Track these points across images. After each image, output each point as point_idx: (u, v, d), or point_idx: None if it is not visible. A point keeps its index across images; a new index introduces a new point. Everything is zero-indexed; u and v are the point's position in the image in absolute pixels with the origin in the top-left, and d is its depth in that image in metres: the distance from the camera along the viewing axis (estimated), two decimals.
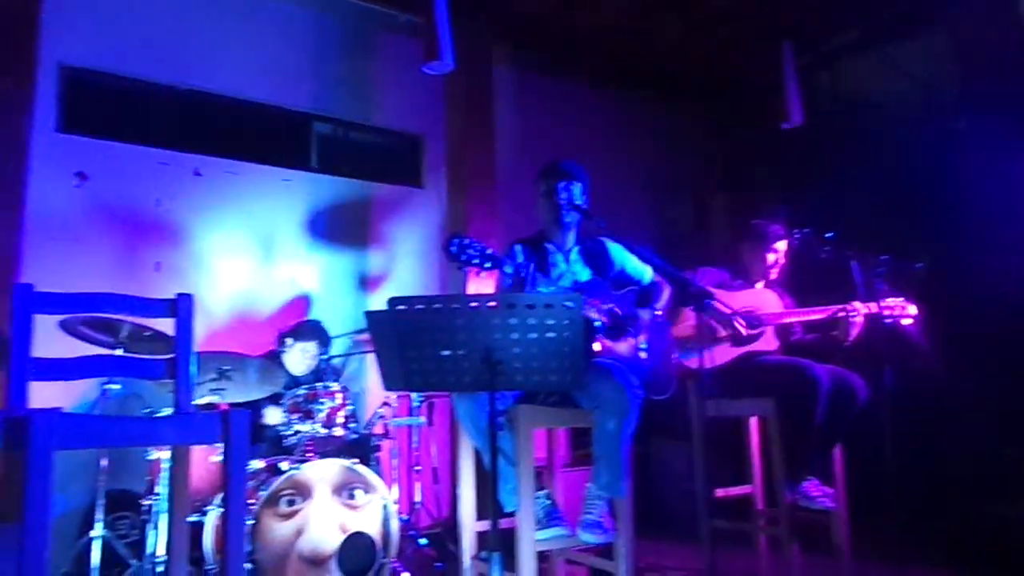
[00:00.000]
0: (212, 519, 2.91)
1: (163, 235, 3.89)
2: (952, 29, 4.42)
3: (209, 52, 4.10)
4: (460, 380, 1.99)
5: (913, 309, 3.06)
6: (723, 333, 3.02)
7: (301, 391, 3.15)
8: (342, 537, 2.81)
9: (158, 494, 2.83)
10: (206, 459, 3.22)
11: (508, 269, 2.40)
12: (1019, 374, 3.74)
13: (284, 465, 2.92)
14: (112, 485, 2.98)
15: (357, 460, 2.99)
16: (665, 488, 3.74)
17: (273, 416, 3.28)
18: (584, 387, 2.31)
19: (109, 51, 3.82)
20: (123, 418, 2.71)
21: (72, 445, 1.53)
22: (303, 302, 4.21)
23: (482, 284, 2.44)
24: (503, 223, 4.55)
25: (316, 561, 2.76)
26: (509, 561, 2.19)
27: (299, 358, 3.55)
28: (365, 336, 3.85)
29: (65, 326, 2.78)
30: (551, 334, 1.90)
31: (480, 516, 2.65)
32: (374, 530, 2.90)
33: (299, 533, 2.77)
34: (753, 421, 3.29)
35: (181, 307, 2.10)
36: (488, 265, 2.30)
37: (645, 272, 2.87)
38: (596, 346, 2.52)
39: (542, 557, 2.41)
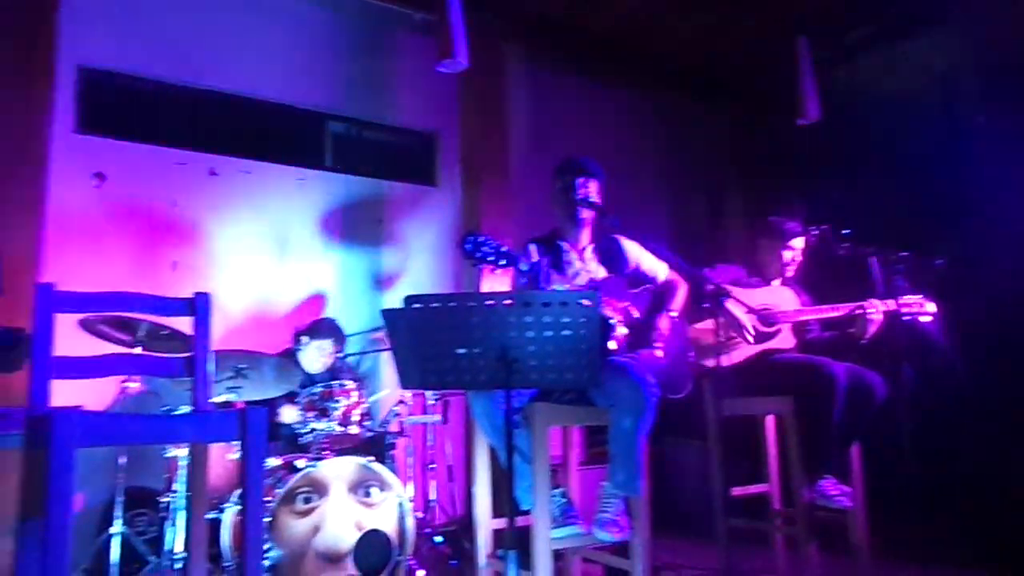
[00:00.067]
0: (230, 516, 2.94)
1: (179, 234, 3.92)
2: (970, 23, 4.36)
3: (224, 52, 4.12)
4: (476, 378, 1.99)
5: (932, 306, 3.03)
6: (738, 335, 3.00)
7: (317, 389, 3.16)
8: (358, 534, 2.82)
9: (176, 491, 2.86)
10: (223, 457, 3.24)
11: (523, 267, 2.40)
12: None
13: (300, 463, 2.93)
14: (130, 482, 3.01)
15: (373, 458, 3.00)
16: (681, 487, 3.73)
17: (289, 415, 3.30)
18: (600, 385, 2.31)
19: (126, 52, 3.85)
20: (143, 416, 2.73)
21: (93, 443, 1.54)
22: (318, 300, 4.23)
23: (496, 282, 2.44)
24: (517, 221, 4.54)
25: (332, 558, 2.77)
26: (524, 559, 2.19)
27: (315, 356, 3.57)
28: (380, 334, 3.86)
29: (85, 325, 2.81)
30: (567, 332, 1.90)
31: (495, 514, 2.65)
32: (390, 528, 2.91)
33: (315, 530, 2.79)
34: (769, 419, 3.27)
35: (199, 306, 2.11)
36: (503, 263, 2.30)
37: (660, 269, 2.86)
38: (612, 344, 2.52)
39: (558, 555, 2.41)
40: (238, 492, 2.96)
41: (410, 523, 2.97)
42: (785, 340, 3.11)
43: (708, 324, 2.98)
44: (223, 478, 3.20)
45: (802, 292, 3.26)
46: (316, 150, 4.44)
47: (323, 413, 3.11)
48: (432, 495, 3.77)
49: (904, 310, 2.99)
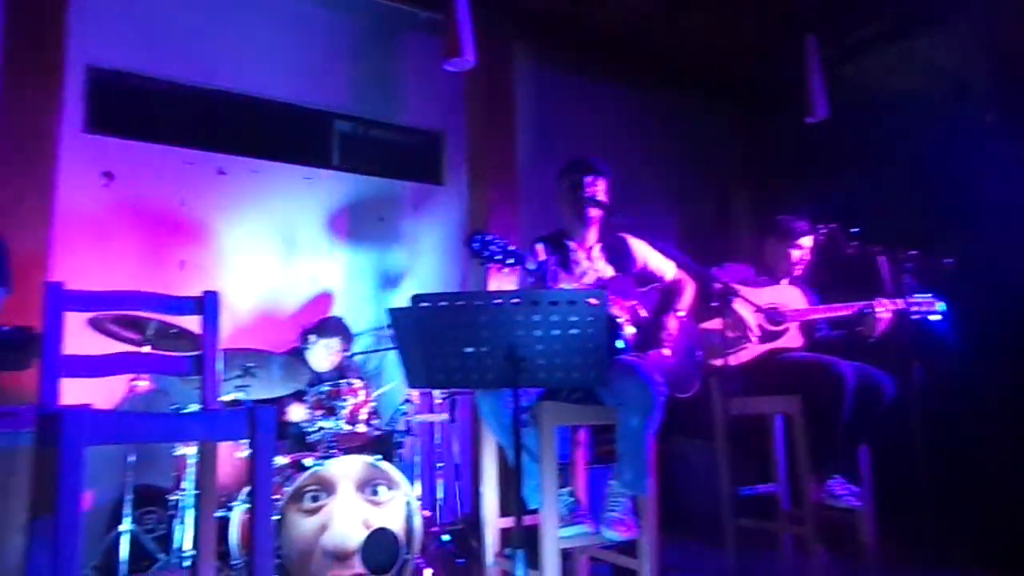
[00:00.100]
0: (238, 514, 2.94)
1: (187, 233, 3.93)
2: (980, 20, 4.34)
3: (232, 52, 4.13)
4: (483, 377, 1.99)
5: (942, 305, 3.02)
6: (745, 334, 2.99)
7: (324, 388, 3.17)
8: (366, 533, 2.83)
9: (184, 489, 2.87)
10: (231, 455, 3.25)
11: (531, 266, 2.40)
12: None
13: (308, 461, 2.94)
14: (139, 480, 3.02)
15: (380, 456, 3.01)
16: (688, 486, 3.72)
17: (297, 413, 3.31)
18: (608, 384, 2.30)
19: (134, 52, 3.86)
20: (152, 414, 2.75)
21: (103, 441, 1.55)
22: (325, 299, 4.24)
23: (503, 281, 2.44)
24: (524, 220, 4.54)
25: (340, 556, 2.78)
26: (532, 558, 2.19)
27: (323, 354, 3.58)
28: (387, 333, 3.87)
29: (94, 323, 2.83)
30: (575, 331, 1.90)
31: (503, 513, 2.65)
32: (397, 526, 2.92)
33: (323, 529, 2.80)
34: (777, 419, 3.26)
35: (208, 304, 2.12)
36: (511, 262, 2.30)
37: (668, 268, 2.85)
38: (619, 343, 2.51)
39: (565, 554, 2.41)
40: (246, 490, 2.97)
41: (417, 522, 2.98)
42: (793, 339, 3.10)
43: (716, 323, 2.98)
44: (231, 476, 3.21)
45: (810, 291, 3.25)
46: (323, 149, 4.45)
47: (331, 412, 3.12)
48: (439, 494, 3.77)
49: (913, 309, 2.98)
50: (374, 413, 3.23)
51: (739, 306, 2.85)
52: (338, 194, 4.38)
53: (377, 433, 3.25)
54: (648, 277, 2.81)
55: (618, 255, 2.76)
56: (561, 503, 2.42)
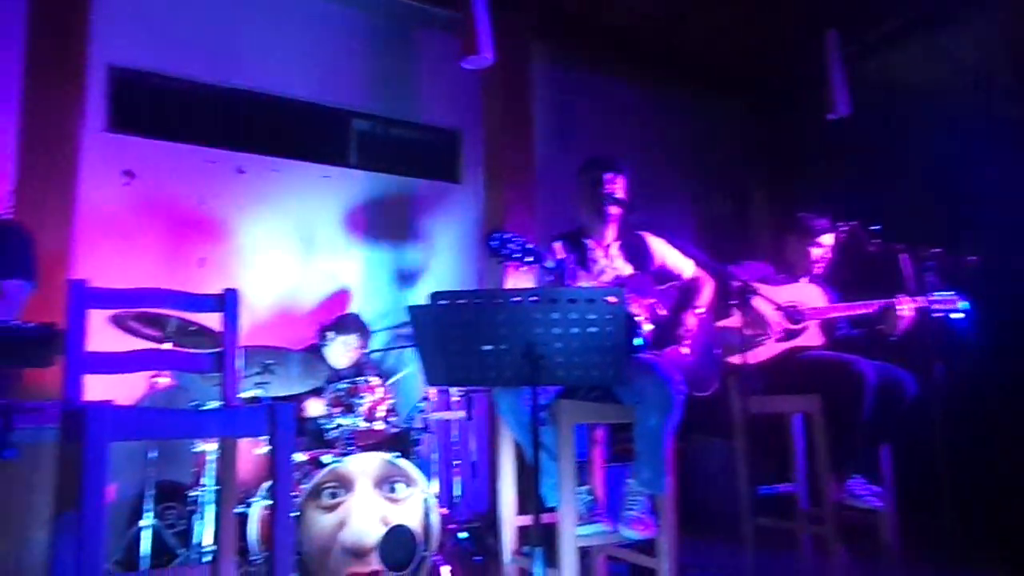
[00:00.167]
0: (257, 510, 2.96)
1: (207, 231, 3.96)
2: (1003, 14, 4.27)
3: (251, 51, 4.16)
4: (502, 375, 1.99)
5: (965, 304, 2.98)
6: (765, 332, 2.97)
7: (343, 385, 3.18)
8: (384, 530, 2.84)
9: (204, 485, 2.89)
10: (250, 451, 3.27)
11: (549, 264, 2.39)
12: None
13: (327, 458, 2.95)
14: (159, 476, 3.05)
15: (398, 454, 3.02)
16: (706, 485, 3.70)
17: (314, 407, 3.32)
18: (626, 382, 2.29)
19: (155, 52, 3.90)
20: (174, 411, 2.77)
21: (126, 437, 1.56)
22: (343, 296, 4.26)
23: (521, 279, 2.44)
24: (540, 218, 4.54)
25: (358, 553, 2.79)
26: (550, 556, 2.19)
27: (341, 351, 3.59)
28: (405, 330, 3.88)
29: (115, 320, 2.86)
30: (593, 329, 1.89)
31: (520, 511, 2.65)
32: (415, 523, 2.93)
33: (342, 525, 2.81)
34: (796, 418, 3.24)
35: (228, 302, 2.14)
36: (529, 260, 2.29)
37: (686, 267, 2.84)
38: (638, 341, 2.50)
39: (583, 553, 2.40)
40: (265, 486, 2.99)
41: (435, 519, 2.98)
42: (813, 337, 3.07)
43: (735, 320, 2.96)
44: (250, 472, 3.24)
45: (830, 289, 3.22)
46: (341, 148, 4.46)
47: (349, 409, 3.13)
48: (456, 491, 3.78)
49: (935, 307, 2.94)
50: (392, 410, 3.24)
51: (759, 303, 2.82)
52: (355, 192, 4.40)
53: (395, 430, 3.26)
54: (666, 275, 2.80)
55: (636, 253, 2.74)
56: (579, 501, 2.42)
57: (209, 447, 2.88)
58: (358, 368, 3.63)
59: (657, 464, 2.36)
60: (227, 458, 2.15)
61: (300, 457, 3.09)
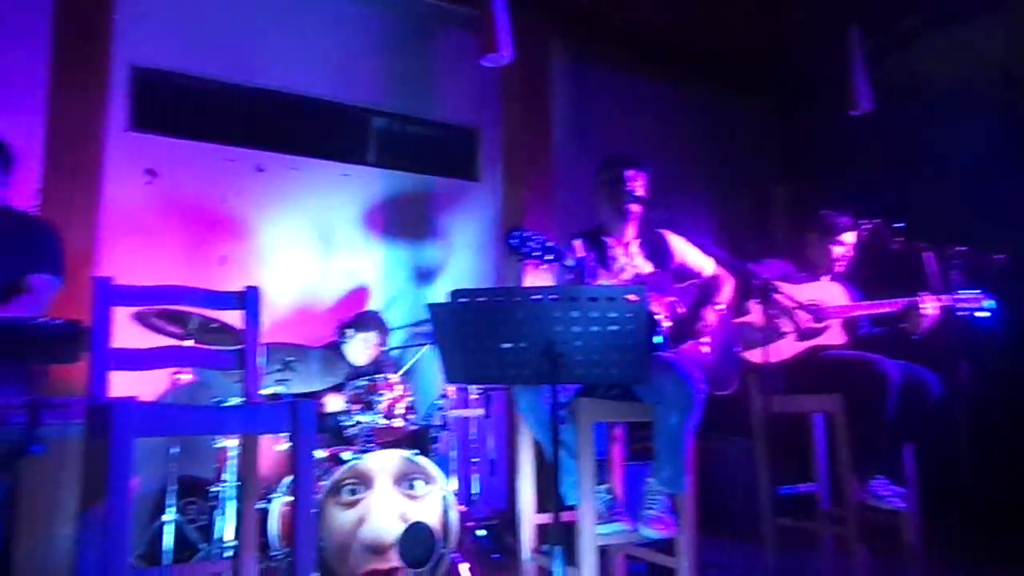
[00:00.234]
0: (277, 506, 2.99)
1: (227, 229, 3.99)
2: None
3: (271, 50, 4.19)
4: (521, 373, 1.98)
5: (990, 302, 2.93)
6: (787, 328, 2.95)
7: (362, 382, 3.20)
8: (403, 526, 2.85)
9: (225, 481, 2.92)
10: (270, 447, 3.30)
11: (569, 262, 2.39)
12: None
13: (346, 455, 2.97)
14: (181, 471, 3.09)
15: (417, 451, 3.03)
16: (726, 484, 3.68)
17: (334, 403, 3.34)
18: (646, 381, 2.28)
19: (176, 51, 3.94)
20: (198, 407, 2.80)
21: (152, 432, 1.58)
22: (362, 294, 4.28)
23: (540, 278, 2.44)
24: (559, 216, 4.53)
25: (377, 550, 2.80)
26: (569, 555, 2.18)
27: (360, 348, 3.61)
28: (423, 328, 3.89)
29: (139, 317, 2.89)
30: (614, 327, 1.89)
31: (539, 509, 2.65)
32: (434, 521, 2.93)
33: (361, 522, 2.82)
34: (817, 417, 3.21)
35: (249, 299, 2.15)
36: (549, 258, 2.29)
37: (707, 265, 2.82)
38: (658, 339, 2.49)
39: (601, 551, 2.40)
40: (285, 482, 3.01)
41: (454, 516, 2.99)
42: (835, 336, 3.04)
43: (755, 316, 2.94)
44: (270, 468, 3.26)
45: (853, 288, 3.19)
46: (360, 146, 4.48)
47: (368, 406, 3.15)
48: (474, 489, 3.78)
49: (960, 305, 2.90)
50: (410, 408, 3.25)
51: (780, 300, 2.80)
52: (374, 190, 4.42)
53: (413, 428, 3.27)
54: (686, 273, 2.78)
55: (656, 251, 2.73)
56: (599, 500, 2.41)
57: (230, 443, 2.90)
58: (377, 365, 3.65)
59: (677, 463, 2.35)
60: (248, 454, 2.17)
61: (320, 454, 3.11)
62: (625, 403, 2.47)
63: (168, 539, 2.97)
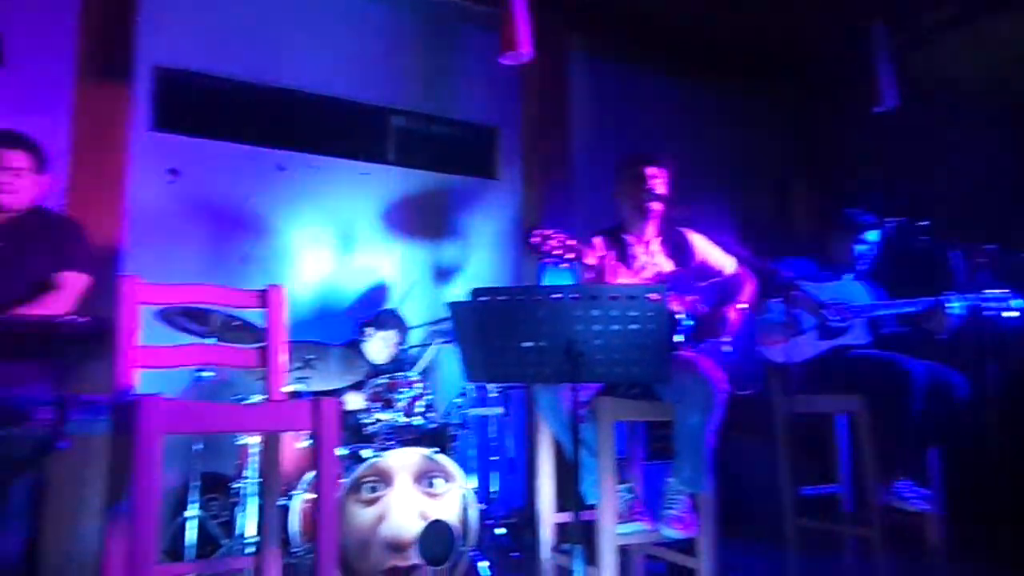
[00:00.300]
0: (298, 503, 3.01)
1: (249, 228, 4.02)
2: None
3: (291, 50, 4.21)
4: (542, 372, 1.99)
5: (1018, 301, 2.88)
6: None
7: (382, 380, 3.21)
8: (423, 524, 2.86)
9: (246, 477, 2.94)
10: (291, 444, 3.32)
11: (590, 261, 2.38)
12: None
13: (366, 452, 2.98)
14: (204, 468, 3.12)
15: (437, 449, 3.03)
16: (747, 485, 3.65)
17: (353, 401, 3.36)
18: (667, 380, 2.27)
19: (197, 52, 3.97)
20: (223, 405, 2.82)
21: (178, 429, 1.60)
22: (381, 292, 4.29)
23: (560, 276, 2.43)
24: (578, 215, 4.51)
25: (397, 547, 2.81)
26: (589, 554, 2.18)
27: (380, 347, 3.63)
28: (442, 326, 3.90)
29: (162, 315, 2.92)
30: (635, 326, 1.88)
31: (558, 507, 2.65)
32: (453, 518, 2.94)
33: (381, 519, 2.83)
34: (840, 418, 3.18)
35: (272, 297, 2.17)
36: (570, 257, 2.28)
37: (728, 263, 2.80)
38: (678, 338, 2.48)
39: (621, 551, 2.39)
40: (306, 479, 3.03)
41: (473, 514, 2.99)
42: (858, 336, 3.01)
43: (777, 317, 2.92)
44: (291, 465, 3.28)
45: (876, 286, 3.15)
46: (379, 145, 4.49)
47: (388, 404, 3.16)
48: (493, 487, 3.79)
49: (987, 305, 2.86)
50: (430, 406, 3.26)
51: (802, 299, 2.78)
52: (394, 189, 4.43)
53: (433, 426, 3.28)
54: (707, 272, 2.77)
55: (678, 249, 2.72)
56: (619, 499, 2.40)
57: (252, 440, 2.92)
58: (396, 363, 3.66)
59: (698, 463, 2.34)
60: (270, 451, 2.19)
61: (340, 451, 3.12)
62: (646, 402, 2.46)
63: (191, 535, 3.00)
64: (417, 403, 3.20)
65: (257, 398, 2.95)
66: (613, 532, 2.29)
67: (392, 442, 3.08)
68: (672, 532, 2.35)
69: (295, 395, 3.09)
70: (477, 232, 4.64)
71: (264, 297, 2.18)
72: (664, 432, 2.49)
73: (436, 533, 2.86)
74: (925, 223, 2.82)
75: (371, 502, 2.85)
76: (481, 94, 4.72)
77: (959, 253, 2.72)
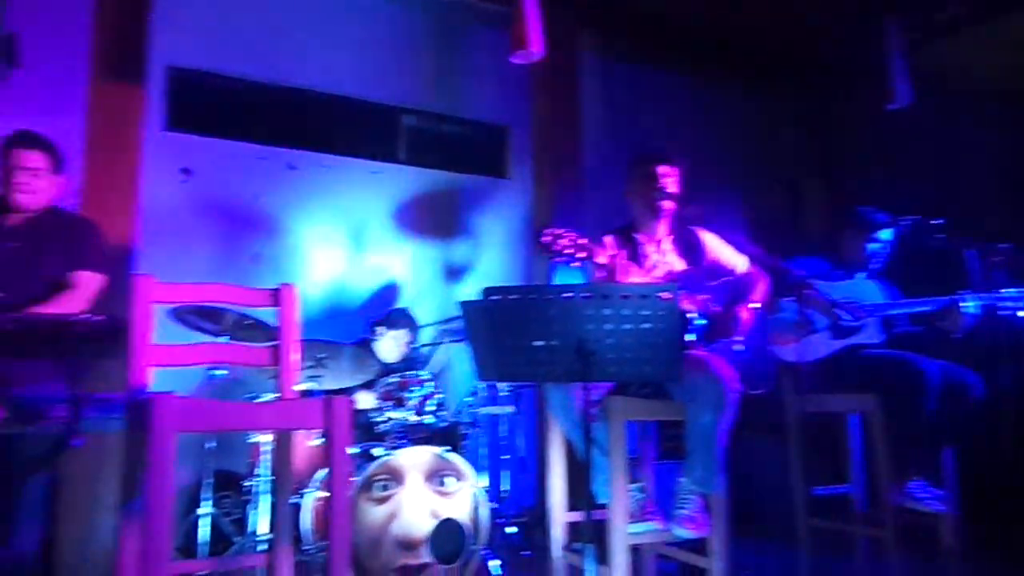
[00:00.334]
0: (310, 500, 3.02)
1: (260, 227, 4.04)
2: None
3: (302, 50, 4.22)
4: (553, 371, 1.98)
5: None
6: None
7: (393, 379, 3.22)
8: (434, 523, 2.86)
9: (258, 475, 2.95)
10: (302, 442, 3.33)
11: (601, 260, 2.38)
12: None
13: (378, 451, 2.99)
14: (216, 466, 3.13)
15: (448, 448, 3.04)
16: (759, 485, 3.64)
17: (364, 400, 3.37)
18: (678, 379, 2.27)
19: (209, 52, 3.99)
20: (236, 403, 2.84)
21: (192, 427, 1.61)
22: (392, 291, 4.30)
23: (570, 275, 2.43)
24: (589, 213, 4.50)
25: (409, 545, 2.81)
26: (600, 553, 2.18)
27: (391, 346, 3.64)
28: (453, 325, 3.90)
29: (175, 314, 2.93)
30: (646, 325, 1.88)
31: (570, 507, 2.64)
32: (465, 517, 2.94)
33: (392, 517, 2.84)
34: (852, 417, 3.16)
35: (285, 296, 2.18)
36: (582, 255, 2.28)
37: (740, 262, 2.79)
38: (689, 337, 2.47)
39: (633, 550, 2.39)
40: (318, 476, 3.04)
41: (484, 513, 2.99)
42: (872, 335, 2.99)
43: (790, 316, 2.90)
44: (303, 463, 3.29)
45: (889, 285, 3.13)
46: (390, 144, 4.50)
47: (399, 402, 3.17)
48: (504, 486, 3.79)
49: (1003, 304, 2.83)
50: (441, 404, 3.26)
51: (815, 298, 2.76)
52: (404, 188, 4.44)
53: (444, 424, 3.28)
54: (719, 271, 2.75)
55: (689, 248, 2.71)
56: (631, 498, 2.40)
57: (264, 438, 2.94)
58: (407, 362, 3.66)
59: (710, 462, 2.33)
60: (282, 449, 2.20)
61: (351, 450, 3.13)
62: (657, 401, 2.46)
63: (204, 532, 3.02)
64: (428, 402, 3.20)
65: (269, 396, 2.96)
66: (625, 532, 2.28)
67: (403, 440, 3.08)
68: (684, 532, 2.35)
69: (307, 394, 3.10)
70: (488, 231, 4.64)
71: (277, 296, 2.19)
72: (676, 432, 2.48)
73: (447, 531, 2.86)
74: (940, 221, 2.80)
75: (382, 500, 2.86)
76: (492, 93, 4.72)
77: (975, 252, 2.69)
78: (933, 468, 2.81)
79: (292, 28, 4.21)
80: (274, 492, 2.29)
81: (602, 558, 2.22)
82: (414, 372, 3.27)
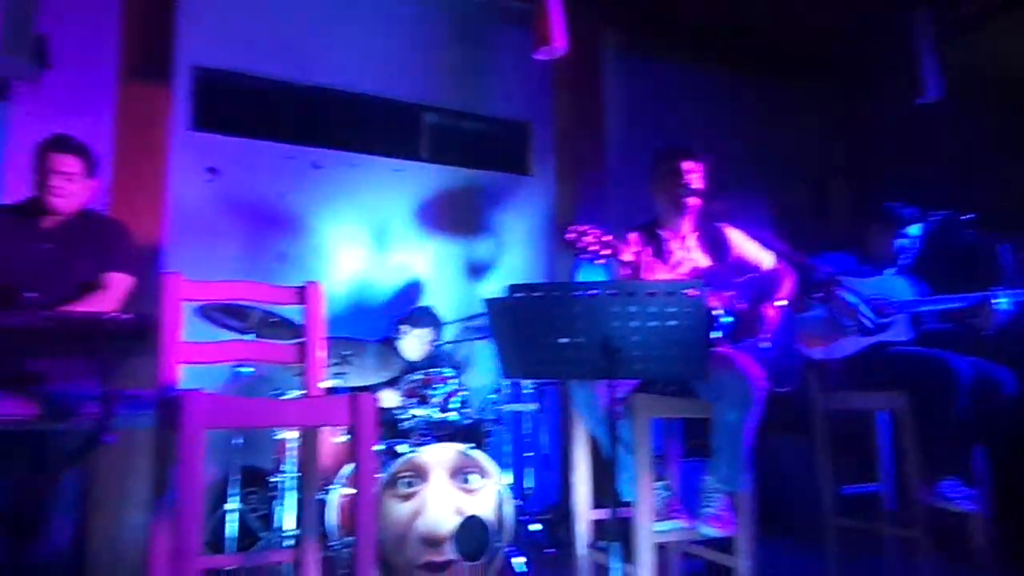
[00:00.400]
0: (335, 497, 3.04)
1: (285, 225, 4.08)
2: None
3: (326, 49, 4.25)
4: (578, 368, 1.98)
5: None
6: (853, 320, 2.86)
7: (417, 376, 3.23)
8: (458, 520, 2.87)
9: (284, 471, 2.98)
10: (328, 439, 3.36)
11: (626, 257, 2.36)
12: None
13: (403, 448, 3.01)
14: (243, 462, 3.17)
15: (472, 445, 3.04)
16: (786, 483, 3.60)
17: (389, 399, 3.39)
18: (704, 377, 2.24)
19: (235, 52, 4.03)
20: (264, 400, 2.87)
21: (220, 424, 1.62)
22: (415, 289, 4.32)
23: (595, 273, 2.42)
24: (613, 210, 4.48)
25: (433, 542, 2.83)
26: (625, 551, 2.17)
27: (414, 344, 3.65)
28: (476, 322, 3.91)
29: (202, 312, 2.97)
30: (672, 322, 1.86)
31: (595, 504, 2.64)
32: (489, 514, 2.95)
33: (417, 514, 2.85)
34: (881, 415, 3.11)
35: (310, 294, 2.19)
36: (606, 252, 2.27)
37: (765, 259, 2.76)
38: (715, 334, 2.45)
39: (659, 548, 2.37)
40: (343, 473, 3.06)
41: (508, 510, 3.00)
42: (901, 332, 2.94)
43: (818, 313, 2.87)
44: (329, 459, 3.32)
45: (919, 281, 3.08)
46: (412, 141, 4.52)
47: (423, 400, 3.18)
48: (528, 483, 3.79)
49: None
50: (465, 402, 3.27)
51: (844, 294, 2.72)
52: (427, 185, 4.45)
53: (468, 421, 3.29)
54: (745, 267, 2.73)
55: (715, 244, 2.68)
56: (656, 496, 2.39)
57: (290, 435, 2.96)
58: (431, 360, 3.68)
59: (736, 461, 2.31)
60: (308, 446, 2.22)
61: (376, 447, 3.14)
62: (683, 399, 2.44)
63: (232, 527, 3.05)
64: (452, 399, 3.21)
65: (295, 393, 2.98)
66: (650, 529, 2.27)
67: (428, 438, 3.10)
68: (710, 530, 2.33)
69: (332, 391, 3.12)
70: (510, 228, 4.64)
71: (302, 294, 2.21)
72: (701, 429, 2.46)
73: (472, 528, 2.87)
74: (971, 216, 2.75)
75: (407, 497, 2.87)
76: (514, 90, 4.72)
77: (1008, 247, 2.64)
78: (964, 467, 2.76)
79: (316, 27, 4.23)
80: (300, 488, 2.31)
81: (627, 556, 2.21)
82: (438, 369, 3.28)
